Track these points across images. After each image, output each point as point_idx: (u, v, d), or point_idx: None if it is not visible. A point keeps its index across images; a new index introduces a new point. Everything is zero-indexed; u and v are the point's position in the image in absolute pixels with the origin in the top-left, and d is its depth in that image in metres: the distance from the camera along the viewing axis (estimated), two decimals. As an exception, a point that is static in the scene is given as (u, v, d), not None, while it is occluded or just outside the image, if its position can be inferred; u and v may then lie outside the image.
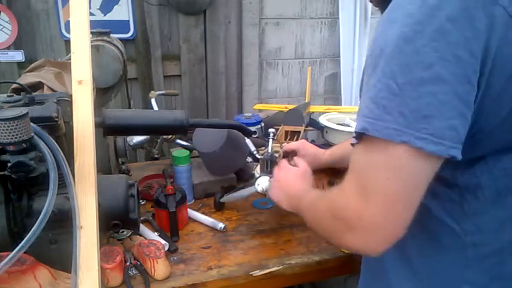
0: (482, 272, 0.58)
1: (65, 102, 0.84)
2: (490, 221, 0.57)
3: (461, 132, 0.48)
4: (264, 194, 1.02)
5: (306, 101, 2.01)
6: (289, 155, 1.13)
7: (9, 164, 0.67)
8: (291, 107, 1.79)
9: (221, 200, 1.15)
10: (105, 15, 2.10)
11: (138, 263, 0.93)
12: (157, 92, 1.75)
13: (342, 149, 1.16)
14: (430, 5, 0.47)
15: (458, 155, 0.48)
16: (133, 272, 0.91)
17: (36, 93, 0.89)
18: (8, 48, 2.01)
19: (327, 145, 1.51)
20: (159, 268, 0.89)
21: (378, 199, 0.51)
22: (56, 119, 0.76)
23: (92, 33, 1.09)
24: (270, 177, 1.02)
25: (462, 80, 0.46)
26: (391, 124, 0.48)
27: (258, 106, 2.12)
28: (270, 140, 1.14)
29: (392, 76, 0.48)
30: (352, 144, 0.55)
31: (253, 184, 1.04)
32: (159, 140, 1.62)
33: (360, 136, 0.52)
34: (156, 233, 1.05)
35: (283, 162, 1.00)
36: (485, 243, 0.57)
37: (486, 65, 0.47)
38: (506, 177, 0.55)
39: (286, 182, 0.90)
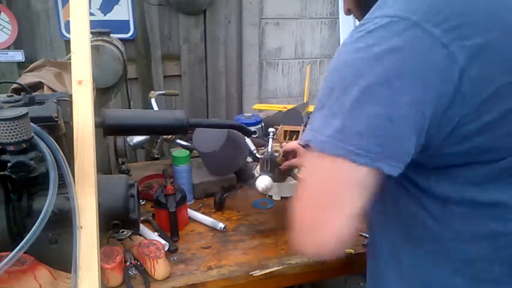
0: (468, 276, 0.59)
1: (65, 102, 0.84)
2: (471, 229, 0.58)
3: (389, 149, 0.51)
4: (264, 194, 1.02)
5: (305, 100, 2.01)
6: (289, 154, 1.13)
7: (9, 164, 0.67)
8: (289, 107, 1.79)
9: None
10: (105, 15, 2.10)
11: (138, 263, 0.93)
12: (157, 92, 1.75)
13: None
14: (374, 35, 0.51)
15: (388, 170, 0.51)
16: (134, 272, 0.91)
17: (36, 93, 0.89)
18: (8, 48, 2.01)
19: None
20: (159, 268, 0.89)
21: (312, 205, 0.56)
22: (56, 119, 0.76)
23: (92, 33, 1.09)
24: (270, 177, 1.02)
25: (392, 103, 0.50)
26: (328, 138, 0.52)
27: (258, 106, 2.13)
28: (270, 140, 1.14)
29: (336, 96, 0.53)
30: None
31: (253, 184, 1.04)
32: (159, 140, 1.62)
33: (307, 146, 0.57)
34: (156, 233, 1.05)
35: None
36: (468, 249, 0.59)
37: (427, 90, 0.50)
38: (473, 191, 0.57)
39: None
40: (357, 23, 0.61)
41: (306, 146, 0.57)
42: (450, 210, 0.58)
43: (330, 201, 0.55)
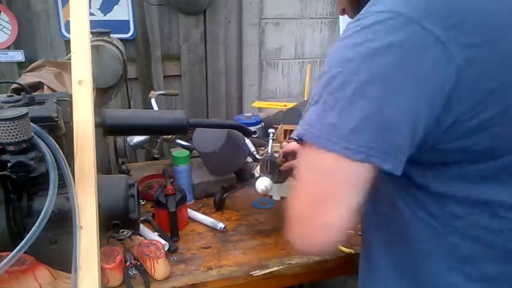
0: (462, 273, 0.59)
1: (65, 102, 0.84)
2: (463, 228, 0.58)
3: (386, 146, 0.52)
4: (264, 195, 1.02)
5: (305, 99, 2.01)
6: (289, 155, 1.13)
7: (9, 164, 0.67)
8: (290, 105, 1.79)
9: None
10: (105, 15, 2.10)
11: (138, 263, 0.93)
12: (157, 92, 1.75)
13: None
14: (371, 30, 0.51)
15: (382, 164, 0.52)
16: (134, 272, 0.91)
17: (36, 93, 0.89)
18: (8, 48, 2.01)
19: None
20: (159, 268, 0.89)
21: (305, 197, 0.56)
22: (56, 119, 0.76)
23: (92, 33, 1.09)
24: (270, 178, 1.02)
25: (388, 99, 0.50)
26: (322, 133, 0.53)
27: (257, 104, 2.12)
28: (270, 140, 1.14)
29: (330, 92, 0.53)
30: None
31: (253, 184, 1.03)
32: (159, 140, 1.62)
33: (301, 140, 0.57)
34: (156, 233, 1.05)
35: None
36: (464, 247, 0.59)
37: (421, 87, 0.50)
38: (471, 188, 0.57)
39: None
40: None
41: (299, 139, 0.57)
42: (446, 207, 0.59)
43: (328, 197, 0.55)
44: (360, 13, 0.55)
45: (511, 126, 0.54)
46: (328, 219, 0.55)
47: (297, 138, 0.57)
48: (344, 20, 2.43)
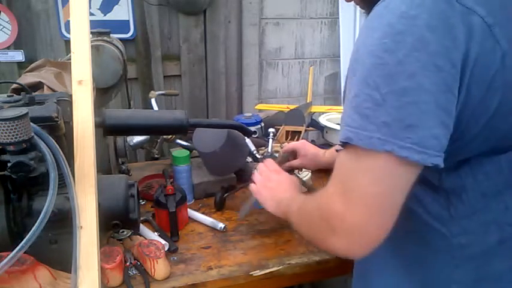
0: (469, 272, 0.59)
1: (65, 102, 0.84)
2: (476, 223, 0.58)
3: (443, 141, 0.49)
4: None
5: (308, 100, 2.01)
6: (289, 155, 1.13)
7: (9, 164, 0.67)
8: (292, 107, 1.79)
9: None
10: (105, 15, 2.10)
11: (138, 263, 0.93)
12: (157, 92, 1.75)
13: None
14: (410, 15, 0.48)
15: (440, 163, 0.49)
16: (134, 272, 0.91)
17: (36, 93, 0.89)
18: (8, 48, 2.01)
19: (326, 145, 1.51)
20: (159, 268, 0.89)
21: (359, 203, 0.52)
22: (56, 119, 0.76)
23: (92, 33, 1.09)
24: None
25: (443, 89, 0.47)
26: (374, 134, 0.49)
27: (260, 106, 2.12)
28: (270, 140, 1.14)
29: (375, 87, 0.49)
30: (337, 151, 0.56)
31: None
32: (159, 140, 1.62)
33: (345, 144, 0.54)
34: (156, 233, 1.05)
35: (270, 162, 0.97)
36: (472, 244, 0.58)
37: (465, 74, 0.48)
38: (489, 181, 0.56)
39: (277, 185, 0.88)
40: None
41: (345, 144, 0.53)
42: (455, 205, 0.57)
43: (383, 207, 0.52)
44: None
45: None
46: (385, 225, 0.52)
47: (342, 143, 0.54)
48: (344, 21, 2.43)
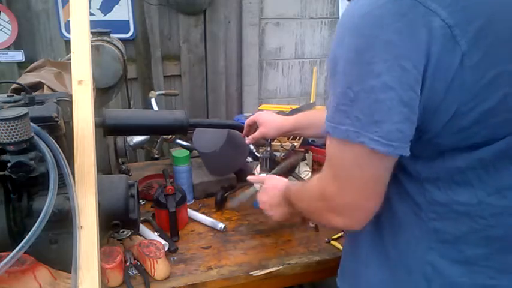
0: (442, 255, 0.61)
1: (65, 102, 0.84)
2: (449, 212, 0.60)
3: (408, 134, 0.54)
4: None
5: (312, 101, 2.01)
6: (251, 129, 1.12)
7: (9, 164, 0.67)
8: (295, 107, 1.79)
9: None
10: (105, 15, 2.10)
11: (138, 263, 0.93)
12: (157, 92, 1.75)
13: (308, 119, 1.12)
14: (376, 16, 0.51)
15: (406, 153, 0.54)
16: (134, 272, 0.91)
17: (36, 93, 0.89)
18: (8, 48, 2.01)
19: (325, 145, 1.50)
20: (159, 268, 0.89)
21: (348, 185, 0.59)
22: (56, 119, 0.76)
23: (92, 33, 1.09)
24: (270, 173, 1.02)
25: (406, 87, 0.51)
26: (350, 127, 0.55)
27: (264, 107, 2.12)
28: (270, 139, 1.14)
29: (349, 85, 0.54)
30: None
31: (253, 184, 1.04)
32: (159, 140, 1.62)
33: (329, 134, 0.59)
34: (156, 233, 1.05)
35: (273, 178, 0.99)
36: (445, 230, 0.61)
37: (427, 74, 0.51)
38: (462, 175, 0.59)
39: (272, 187, 0.91)
40: (340, 17, 0.61)
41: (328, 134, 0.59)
42: (429, 193, 0.60)
43: (370, 187, 0.58)
44: None
45: (510, 114, 0.54)
46: (373, 201, 0.59)
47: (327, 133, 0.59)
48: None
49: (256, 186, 1.02)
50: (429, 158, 0.59)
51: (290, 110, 1.81)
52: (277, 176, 0.97)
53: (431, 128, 0.55)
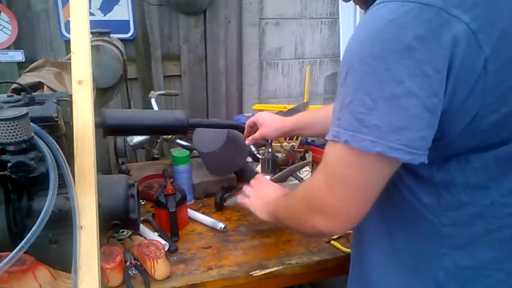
0: (455, 261, 0.61)
1: (65, 102, 0.84)
2: (463, 215, 0.60)
3: (429, 140, 0.53)
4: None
5: (305, 100, 2.01)
6: (252, 129, 1.12)
7: (9, 164, 0.67)
8: (290, 107, 1.79)
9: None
10: (105, 15, 2.10)
11: (138, 263, 0.93)
12: (157, 92, 1.75)
13: (309, 119, 1.11)
14: (398, 23, 0.50)
15: (426, 160, 0.53)
16: (134, 272, 0.91)
17: (36, 93, 0.89)
18: (8, 48, 2.01)
19: (324, 144, 1.50)
20: (159, 268, 0.89)
21: (342, 190, 0.58)
22: (56, 119, 0.76)
23: (92, 33, 1.09)
24: (271, 178, 1.02)
25: (430, 93, 0.51)
26: (367, 136, 0.53)
27: (258, 106, 2.12)
28: (270, 140, 1.14)
29: (367, 92, 0.53)
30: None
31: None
32: (159, 140, 1.62)
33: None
34: (156, 233, 1.05)
35: (261, 177, 1.00)
36: (458, 235, 0.61)
37: (450, 79, 0.51)
38: (476, 176, 0.58)
39: (266, 194, 0.91)
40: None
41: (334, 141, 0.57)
42: (443, 197, 0.60)
43: (365, 195, 0.58)
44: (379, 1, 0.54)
45: None
46: (363, 208, 0.59)
47: (335, 141, 0.57)
48: (344, 21, 2.43)
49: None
50: (444, 160, 0.59)
51: (285, 109, 1.82)
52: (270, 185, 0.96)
53: (450, 131, 0.55)
